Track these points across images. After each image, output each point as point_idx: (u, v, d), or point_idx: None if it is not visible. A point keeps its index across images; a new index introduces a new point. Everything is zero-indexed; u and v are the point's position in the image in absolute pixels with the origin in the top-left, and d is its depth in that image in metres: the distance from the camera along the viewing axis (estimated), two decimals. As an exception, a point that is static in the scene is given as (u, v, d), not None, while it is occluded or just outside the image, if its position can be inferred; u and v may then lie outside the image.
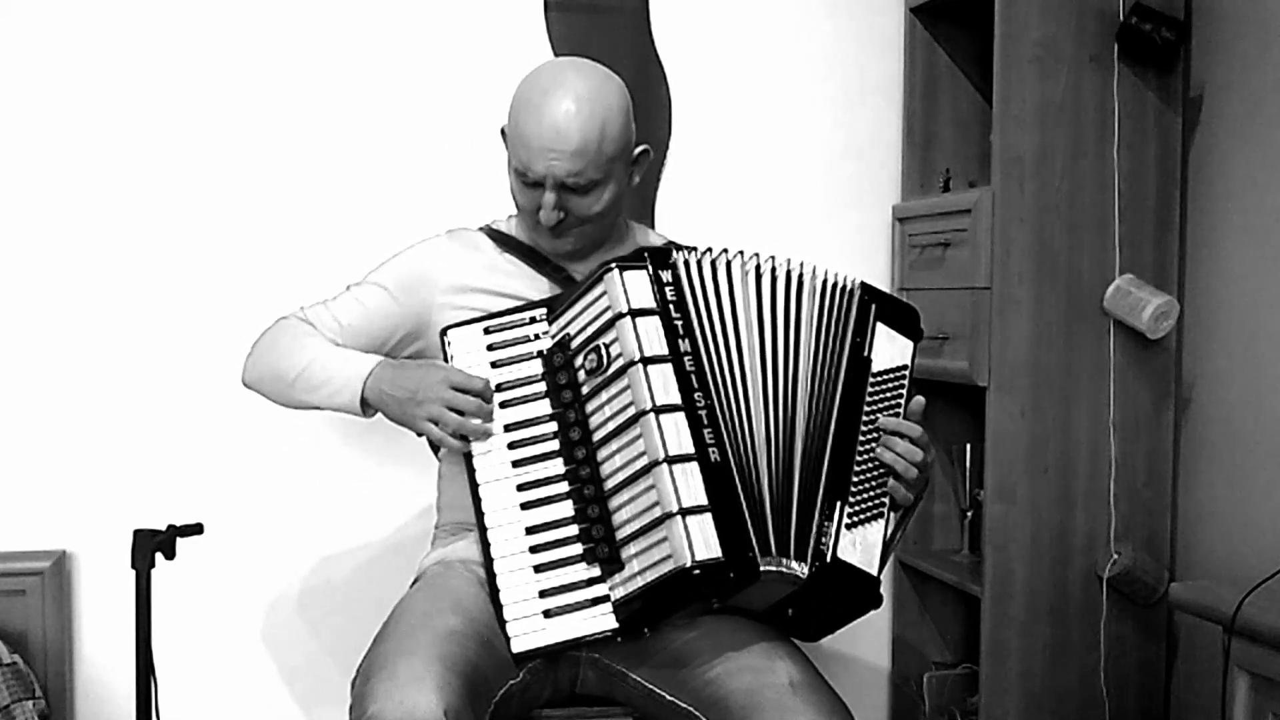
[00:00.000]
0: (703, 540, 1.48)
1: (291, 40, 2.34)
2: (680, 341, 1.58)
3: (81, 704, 2.33)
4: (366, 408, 1.73)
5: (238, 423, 2.33)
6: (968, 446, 2.39)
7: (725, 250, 1.68)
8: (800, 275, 1.70)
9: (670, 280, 1.62)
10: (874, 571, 1.64)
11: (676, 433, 1.53)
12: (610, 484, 1.57)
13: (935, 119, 2.52)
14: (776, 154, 2.53)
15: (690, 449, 1.52)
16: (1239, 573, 2.06)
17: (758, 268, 1.69)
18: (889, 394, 1.73)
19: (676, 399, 1.55)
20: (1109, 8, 2.18)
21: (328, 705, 2.39)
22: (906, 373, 1.75)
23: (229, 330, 2.33)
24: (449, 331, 1.72)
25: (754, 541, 1.53)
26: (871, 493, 1.68)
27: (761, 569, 1.53)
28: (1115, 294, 2.19)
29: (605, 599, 1.57)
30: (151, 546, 1.67)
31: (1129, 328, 2.19)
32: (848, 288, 1.73)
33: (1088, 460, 2.22)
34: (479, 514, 1.64)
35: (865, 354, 1.71)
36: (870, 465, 1.68)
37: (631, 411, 1.55)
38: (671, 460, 1.51)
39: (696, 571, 1.47)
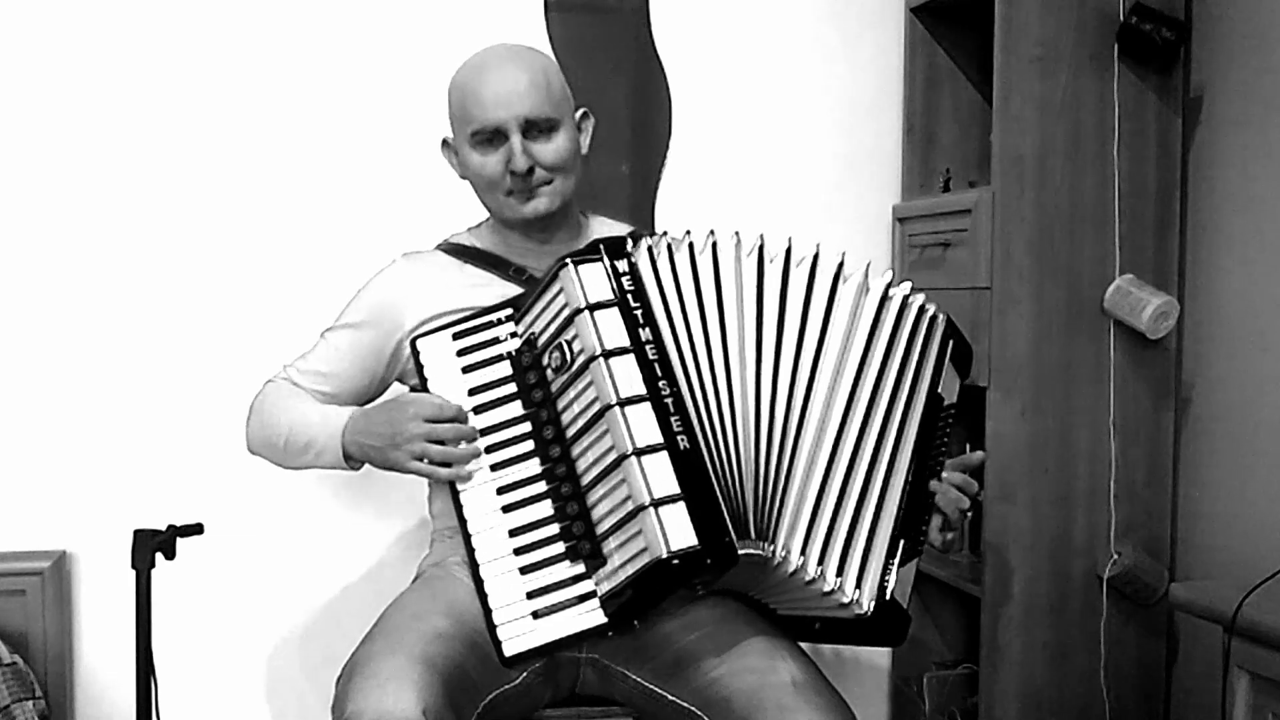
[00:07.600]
0: (677, 530, 1.47)
1: (291, 40, 2.34)
2: (641, 330, 1.57)
3: (81, 704, 2.33)
4: (351, 461, 1.73)
5: (238, 423, 2.32)
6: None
7: (710, 234, 1.68)
8: (841, 270, 1.70)
9: (626, 270, 1.61)
10: (906, 607, 1.68)
11: (643, 424, 1.52)
12: (586, 480, 1.56)
13: (935, 119, 2.52)
14: (776, 154, 2.53)
15: (658, 439, 1.51)
16: (1239, 573, 2.06)
17: (760, 250, 1.69)
18: (941, 432, 1.73)
19: (641, 390, 1.53)
20: (1109, 8, 2.18)
21: (327, 705, 2.38)
22: (953, 410, 1.76)
23: (229, 330, 2.34)
24: (419, 341, 1.71)
25: (729, 526, 1.51)
26: (919, 532, 1.71)
27: (740, 553, 1.51)
28: (1115, 294, 2.19)
29: (592, 594, 1.56)
30: (151, 546, 1.67)
31: (1129, 328, 2.19)
32: (935, 316, 1.73)
33: (1088, 460, 2.22)
34: (461, 521, 1.63)
35: (938, 390, 1.71)
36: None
37: (597, 407, 1.54)
38: (640, 452, 1.50)
39: (675, 561, 1.46)
